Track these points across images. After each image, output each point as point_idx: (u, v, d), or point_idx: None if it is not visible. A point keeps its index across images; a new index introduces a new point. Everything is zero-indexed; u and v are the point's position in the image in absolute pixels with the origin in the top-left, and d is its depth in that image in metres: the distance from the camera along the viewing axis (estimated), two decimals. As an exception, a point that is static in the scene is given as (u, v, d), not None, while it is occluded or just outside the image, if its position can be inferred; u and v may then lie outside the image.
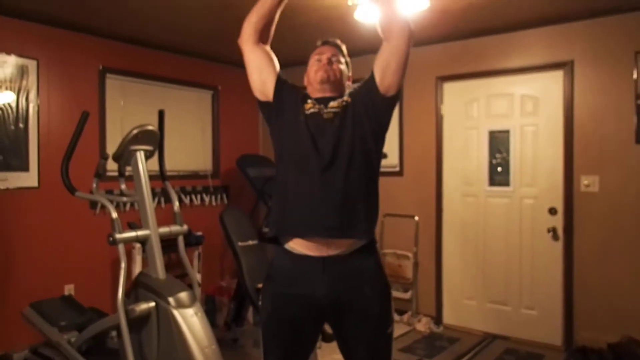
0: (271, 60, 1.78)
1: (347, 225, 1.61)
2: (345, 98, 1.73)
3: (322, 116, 1.68)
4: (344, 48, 1.85)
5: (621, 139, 3.30)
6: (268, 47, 1.80)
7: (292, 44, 3.81)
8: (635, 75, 3.24)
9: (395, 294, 4.17)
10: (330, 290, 1.60)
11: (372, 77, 1.70)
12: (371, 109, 1.69)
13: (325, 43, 1.84)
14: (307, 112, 1.70)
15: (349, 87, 1.83)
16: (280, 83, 1.75)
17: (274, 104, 1.74)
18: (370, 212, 1.67)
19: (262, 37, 1.76)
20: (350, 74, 1.86)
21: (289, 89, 1.76)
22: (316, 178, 1.62)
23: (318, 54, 1.79)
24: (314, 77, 1.77)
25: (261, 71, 1.75)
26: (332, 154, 1.63)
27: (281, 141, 1.74)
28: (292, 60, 4.09)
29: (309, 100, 1.74)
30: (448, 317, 4.09)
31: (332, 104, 1.71)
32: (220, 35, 3.83)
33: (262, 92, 1.76)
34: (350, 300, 1.62)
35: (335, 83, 1.76)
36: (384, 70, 1.67)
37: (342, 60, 1.81)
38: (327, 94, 1.75)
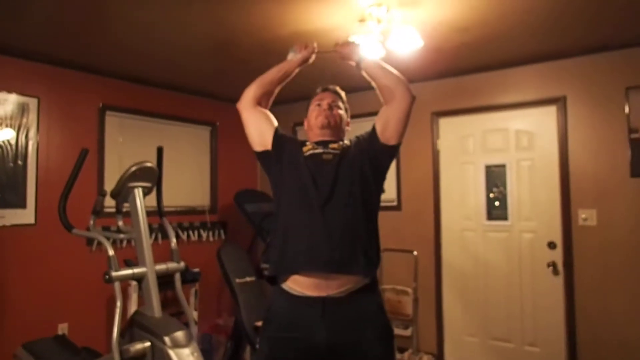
0: (269, 118, 1.85)
1: (347, 260, 1.60)
2: (346, 142, 1.78)
3: (321, 157, 1.72)
4: (343, 94, 1.92)
5: (616, 172, 3.33)
6: (266, 110, 1.87)
7: (289, 81, 3.88)
8: (627, 110, 3.29)
9: (396, 331, 4.05)
10: (329, 335, 1.56)
11: (373, 129, 1.76)
12: (372, 154, 1.73)
13: (325, 90, 1.91)
14: (306, 154, 1.74)
15: (348, 131, 1.89)
16: (278, 134, 1.81)
17: (273, 151, 1.78)
18: (369, 248, 1.67)
19: (260, 103, 1.85)
20: (349, 119, 1.91)
21: (287, 138, 1.83)
22: (316, 214, 1.63)
23: (318, 100, 1.85)
24: (314, 122, 1.82)
25: (259, 127, 1.82)
26: (330, 189, 1.65)
27: (281, 184, 1.76)
28: (288, 97, 4.16)
29: (308, 143, 1.79)
30: (450, 355, 4.01)
31: (333, 145, 1.76)
32: (219, 73, 3.90)
33: (261, 143, 1.81)
34: (351, 344, 1.58)
35: (335, 128, 1.82)
36: (384, 127, 1.73)
37: (342, 106, 1.87)
38: (327, 138, 1.80)
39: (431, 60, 3.54)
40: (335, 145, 1.75)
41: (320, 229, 1.61)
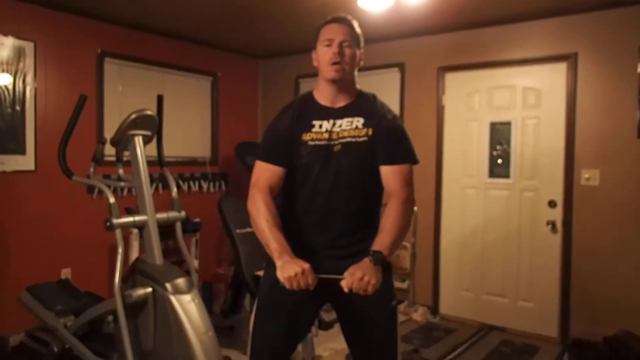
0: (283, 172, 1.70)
1: (354, 252, 1.63)
2: (361, 129, 1.67)
3: (331, 148, 1.66)
4: (355, 25, 1.72)
5: (623, 133, 3.28)
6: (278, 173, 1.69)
7: (292, 31, 3.76)
8: (639, 70, 3.21)
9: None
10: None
11: (381, 157, 1.68)
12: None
13: (334, 20, 1.70)
14: (310, 143, 1.67)
15: (361, 65, 1.75)
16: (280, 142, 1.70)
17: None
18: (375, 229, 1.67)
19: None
20: (362, 50, 1.73)
21: (281, 140, 1.70)
22: (327, 209, 1.65)
23: (328, 38, 1.66)
24: (325, 69, 1.67)
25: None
26: (337, 181, 1.65)
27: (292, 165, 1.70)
28: (291, 49, 4.05)
29: (313, 130, 1.68)
30: (445, 308, 4.10)
31: (345, 128, 1.67)
32: (221, 21, 3.78)
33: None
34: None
35: (345, 80, 1.69)
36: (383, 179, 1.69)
37: (354, 42, 1.68)
38: (340, 103, 1.70)
39: (440, 12, 3.42)
40: (346, 130, 1.67)
41: (328, 223, 1.65)
